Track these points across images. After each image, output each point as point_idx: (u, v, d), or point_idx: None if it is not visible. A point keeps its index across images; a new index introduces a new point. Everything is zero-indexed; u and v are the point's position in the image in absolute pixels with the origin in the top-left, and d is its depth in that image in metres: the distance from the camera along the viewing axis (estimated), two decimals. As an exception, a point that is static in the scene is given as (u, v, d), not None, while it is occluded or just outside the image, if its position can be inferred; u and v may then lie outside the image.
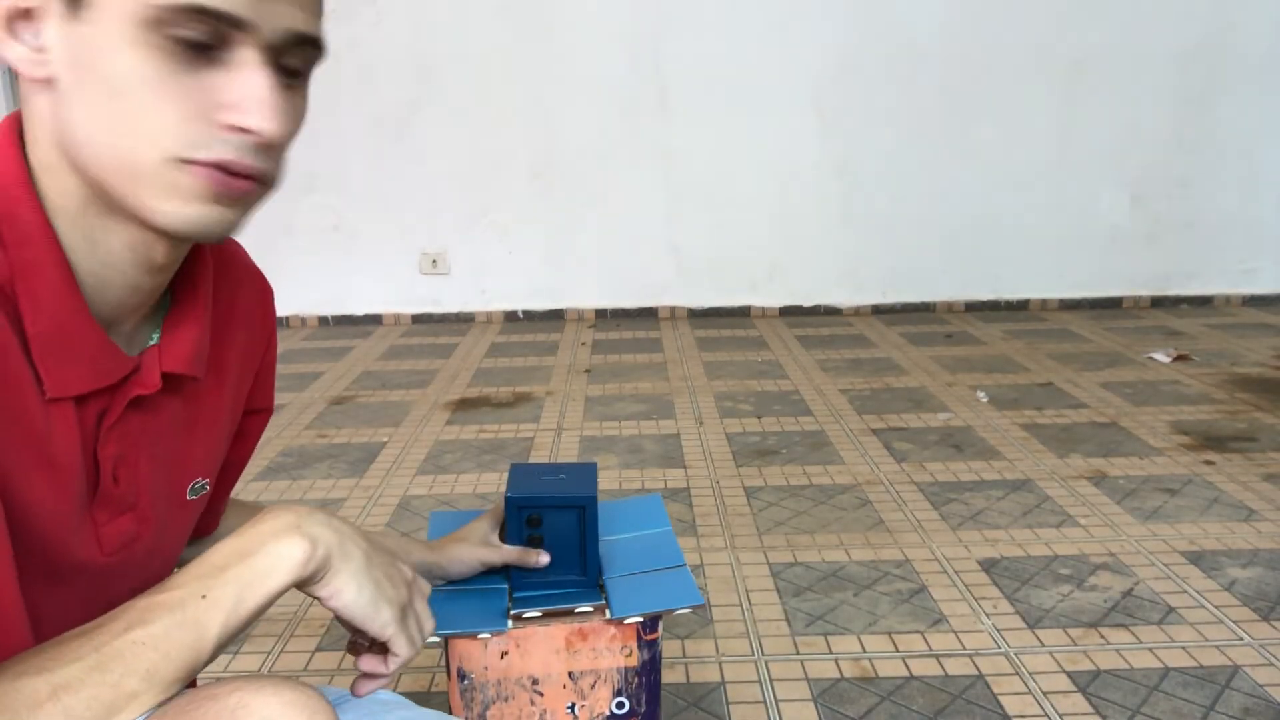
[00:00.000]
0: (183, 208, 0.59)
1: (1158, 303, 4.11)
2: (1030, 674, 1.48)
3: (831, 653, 1.55)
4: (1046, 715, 1.38)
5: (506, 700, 1.13)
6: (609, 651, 1.12)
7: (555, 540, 1.12)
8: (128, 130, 0.57)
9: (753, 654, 1.55)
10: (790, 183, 3.98)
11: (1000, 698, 1.42)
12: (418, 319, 4.09)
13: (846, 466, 2.34)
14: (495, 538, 1.13)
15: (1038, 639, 1.57)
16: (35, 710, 0.54)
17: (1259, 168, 4.01)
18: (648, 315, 4.10)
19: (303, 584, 0.64)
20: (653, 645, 1.13)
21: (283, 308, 4.00)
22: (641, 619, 1.12)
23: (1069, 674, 1.48)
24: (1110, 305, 4.11)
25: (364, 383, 3.18)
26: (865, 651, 1.55)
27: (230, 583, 0.61)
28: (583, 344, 3.64)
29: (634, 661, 1.13)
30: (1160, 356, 3.26)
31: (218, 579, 0.61)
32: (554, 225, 4.02)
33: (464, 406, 2.90)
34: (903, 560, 1.85)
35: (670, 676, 1.48)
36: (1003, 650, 1.54)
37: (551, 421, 2.72)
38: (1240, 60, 3.90)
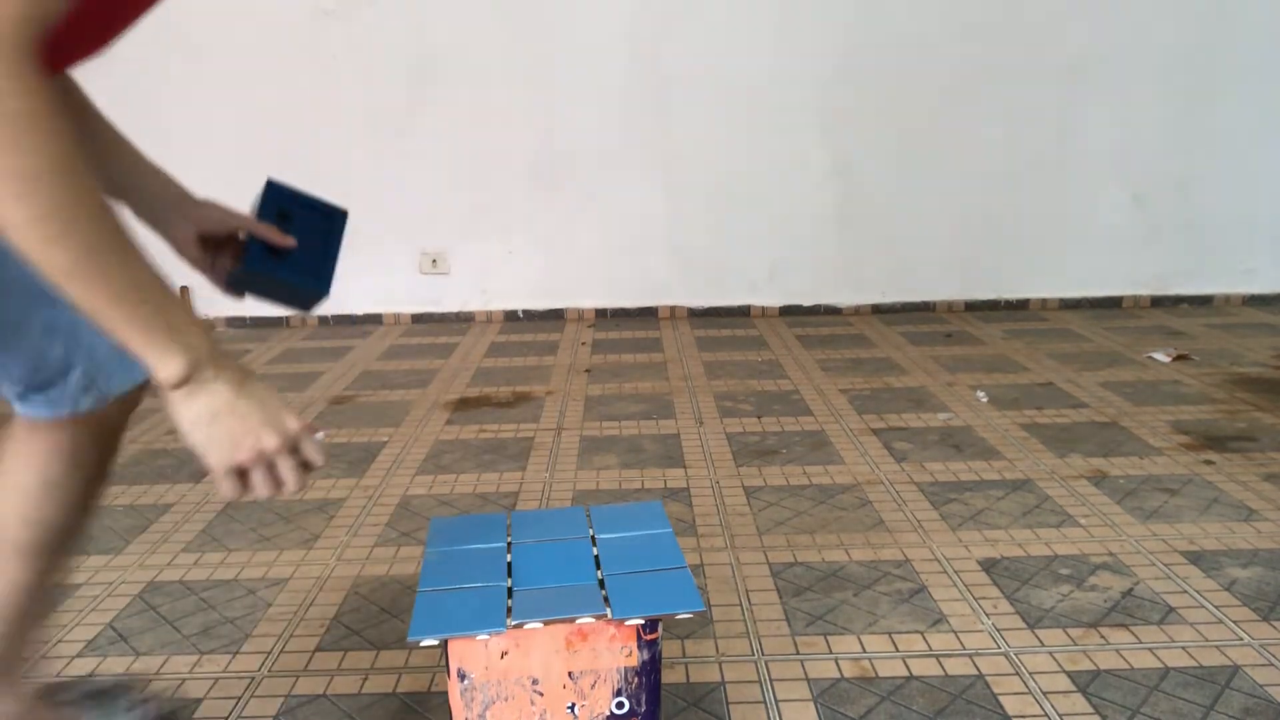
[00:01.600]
0: None
1: (1158, 302, 4.11)
2: (1030, 674, 1.48)
3: (831, 653, 1.55)
4: (1046, 715, 1.38)
5: (506, 700, 1.14)
6: (609, 652, 1.13)
7: (301, 242, 1.17)
8: None
9: (753, 654, 1.55)
10: (790, 183, 3.98)
11: (1000, 698, 1.42)
12: (418, 319, 4.09)
13: (846, 466, 2.34)
14: (237, 217, 1.15)
15: (1038, 639, 1.57)
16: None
17: (1259, 168, 4.01)
18: (648, 315, 4.10)
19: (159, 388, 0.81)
20: (653, 645, 1.13)
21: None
22: (642, 621, 1.12)
23: (1069, 674, 1.48)
24: (1110, 305, 4.11)
25: (364, 383, 3.18)
26: (865, 651, 1.55)
27: (135, 310, 0.76)
28: (583, 344, 3.64)
29: (634, 661, 1.13)
30: (1160, 356, 3.26)
31: (140, 303, 0.76)
32: (554, 225, 4.02)
33: (464, 406, 2.90)
34: (903, 560, 1.85)
35: (670, 676, 1.48)
36: (1003, 650, 1.54)
37: (551, 421, 2.72)
38: (1240, 60, 3.90)
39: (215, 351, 0.83)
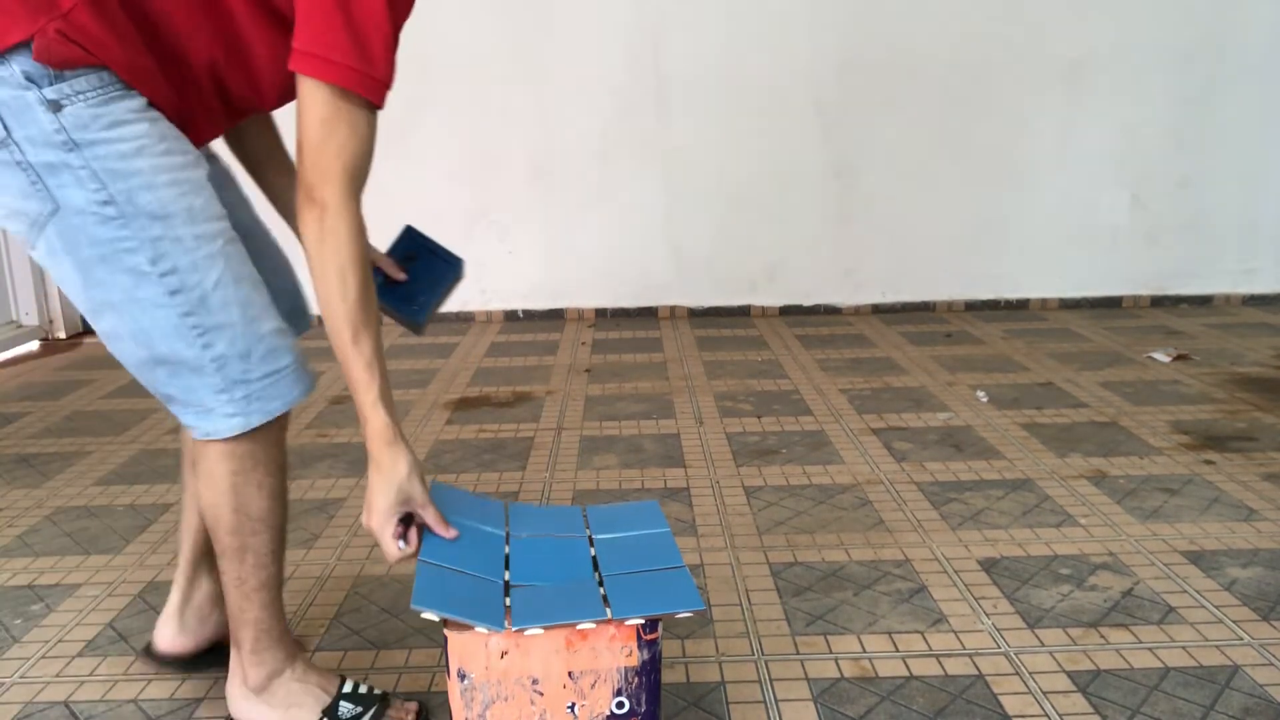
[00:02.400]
0: None
1: (1158, 302, 4.11)
2: (1030, 674, 1.48)
3: (831, 653, 1.55)
4: (1046, 715, 1.38)
5: (506, 700, 1.14)
6: (609, 651, 1.12)
7: (419, 279, 1.43)
8: None
9: (753, 654, 1.55)
10: (790, 183, 3.98)
11: (1000, 697, 1.42)
12: (418, 319, 4.09)
13: (846, 466, 2.34)
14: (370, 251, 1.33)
15: (1038, 639, 1.57)
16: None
17: (1259, 168, 4.01)
18: (648, 315, 4.10)
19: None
20: (653, 645, 1.13)
21: (283, 308, 4.00)
22: (643, 620, 1.12)
23: (1069, 674, 1.48)
24: (1110, 305, 4.11)
25: (364, 383, 3.18)
26: (865, 651, 1.55)
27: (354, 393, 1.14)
28: (583, 344, 3.64)
29: (634, 661, 1.13)
30: (1160, 356, 3.26)
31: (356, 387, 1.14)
32: (554, 225, 4.02)
33: (464, 406, 2.90)
34: (903, 560, 1.85)
35: (670, 676, 1.48)
36: (1003, 650, 1.54)
37: (551, 421, 2.72)
38: (1240, 60, 3.90)
39: (374, 441, 1.16)
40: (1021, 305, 4.11)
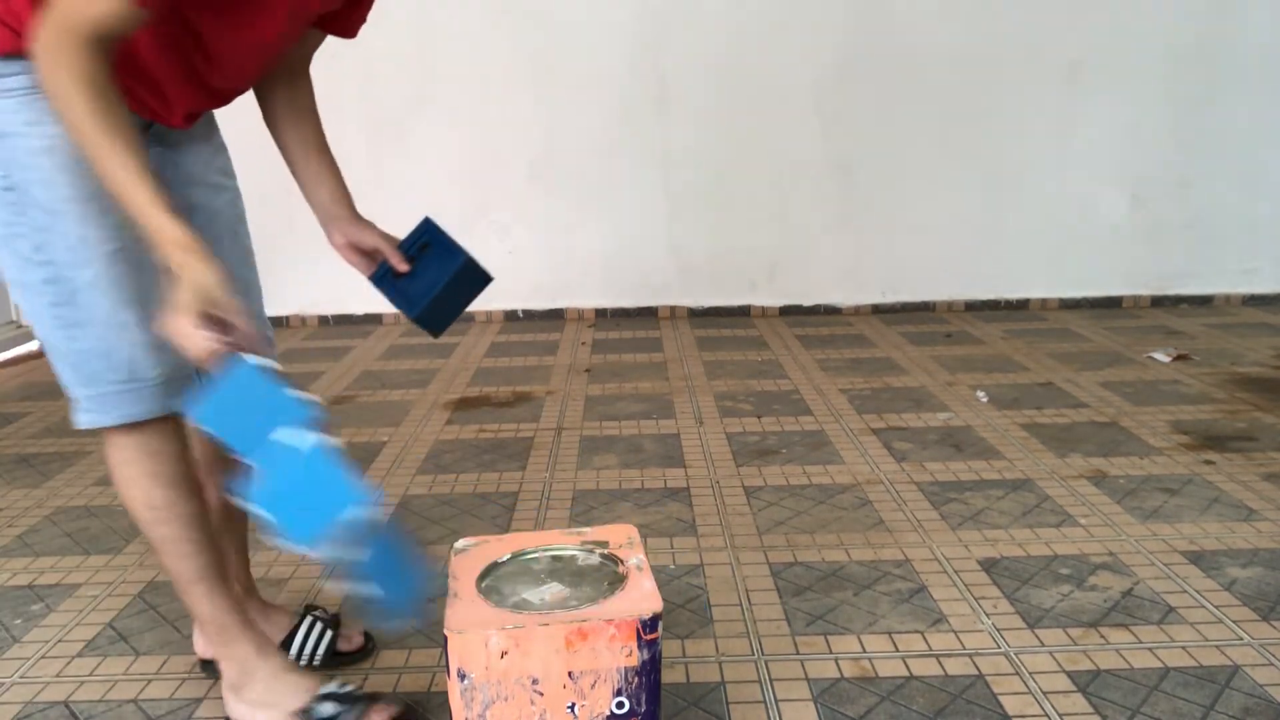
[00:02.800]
0: None
1: (1158, 303, 4.11)
2: (1030, 674, 1.48)
3: (831, 653, 1.55)
4: (1046, 715, 1.38)
5: (506, 700, 1.14)
6: (609, 651, 1.12)
7: (423, 272, 1.39)
8: None
9: (753, 654, 1.55)
10: (790, 183, 3.98)
11: (1000, 698, 1.42)
12: (418, 319, 4.09)
13: (846, 466, 2.34)
14: (380, 238, 1.41)
15: (1038, 639, 1.57)
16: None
17: (1259, 168, 4.00)
18: (648, 315, 4.10)
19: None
20: (653, 645, 1.13)
21: (283, 308, 4.00)
22: (645, 618, 1.12)
23: (1069, 674, 1.48)
24: (1110, 305, 4.11)
25: (364, 383, 3.18)
26: (865, 651, 1.55)
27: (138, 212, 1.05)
28: (583, 344, 3.64)
29: (634, 661, 1.13)
30: (1160, 356, 3.26)
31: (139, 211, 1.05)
32: (554, 225, 4.02)
33: (464, 406, 2.90)
34: (903, 560, 1.85)
35: (670, 676, 1.48)
36: (1003, 650, 1.54)
37: (551, 421, 2.72)
38: (1240, 60, 3.90)
39: (166, 245, 1.06)
40: (1021, 305, 4.11)
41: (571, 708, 1.15)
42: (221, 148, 1.41)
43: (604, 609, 1.15)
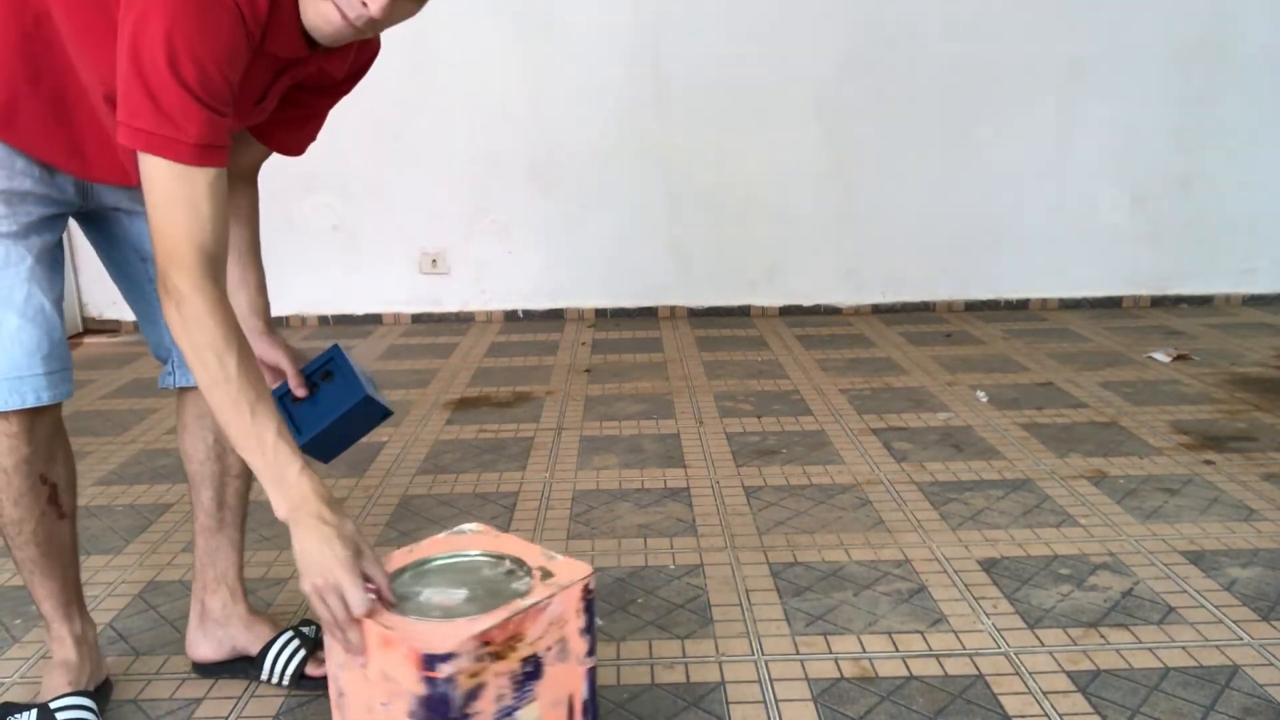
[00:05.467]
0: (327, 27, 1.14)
1: (1158, 303, 4.11)
2: (1030, 674, 1.48)
3: (831, 653, 1.55)
4: (1046, 715, 1.38)
5: (351, 669, 1.11)
6: (403, 670, 1.04)
7: (321, 400, 1.39)
8: None
9: (753, 654, 1.55)
10: (790, 183, 3.98)
11: (1000, 698, 1.42)
12: (418, 319, 4.09)
13: (846, 466, 2.34)
14: (286, 358, 1.41)
15: (1038, 639, 1.57)
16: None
17: (1259, 168, 4.00)
18: (648, 315, 4.10)
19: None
20: (435, 683, 1.01)
21: (283, 308, 4.00)
22: (423, 653, 1.02)
23: (1069, 674, 1.48)
24: (1110, 305, 4.11)
25: (364, 383, 3.18)
26: (865, 651, 1.55)
27: (263, 471, 1.09)
28: (583, 344, 3.64)
29: (420, 691, 1.02)
30: (1160, 356, 3.26)
31: (264, 463, 1.08)
32: (554, 225, 4.02)
33: (464, 406, 2.90)
34: (903, 560, 1.85)
35: (670, 676, 1.49)
36: (1003, 650, 1.54)
37: (551, 421, 2.72)
38: (1240, 60, 3.90)
39: (313, 501, 1.08)
40: (1021, 305, 4.11)
41: (384, 705, 1.07)
42: None
43: (422, 626, 1.05)
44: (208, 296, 1.07)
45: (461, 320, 4.08)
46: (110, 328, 4.08)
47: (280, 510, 1.08)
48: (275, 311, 1.54)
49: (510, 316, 4.10)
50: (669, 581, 1.78)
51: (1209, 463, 2.31)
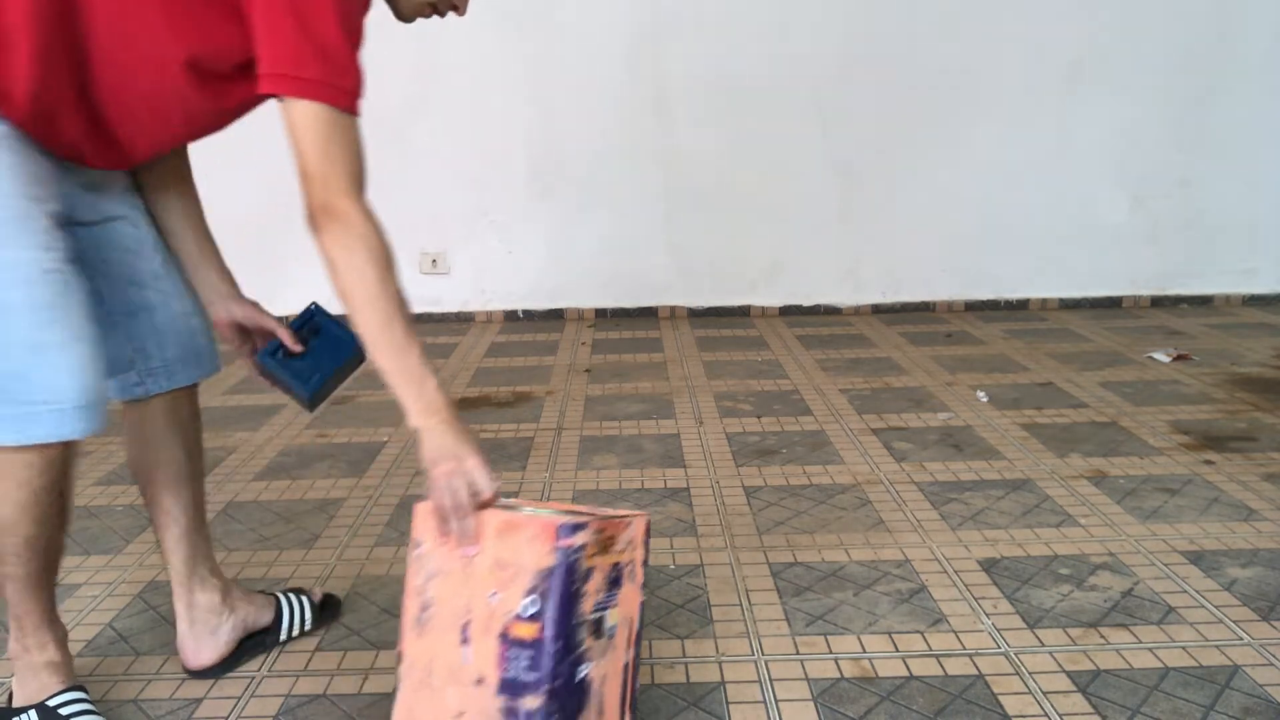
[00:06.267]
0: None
1: (1158, 303, 4.11)
2: (1030, 674, 1.48)
3: (831, 653, 1.55)
4: (1046, 715, 1.38)
5: (446, 575, 1.20)
6: (529, 549, 1.15)
7: (314, 354, 1.46)
8: None
9: (753, 654, 1.55)
10: (790, 183, 3.98)
11: (1000, 698, 1.42)
12: (418, 319, 4.07)
13: (846, 466, 2.34)
14: (271, 320, 1.48)
15: (1038, 639, 1.57)
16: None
17: (1259, 168, 4.01)
18: (648, 315, 4.10)
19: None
20: (566, 551, 1.14)
21: (283, 307, 3.98)
22: (563, 521, 1.15)
23: (1069, 674, 1.48)
24: (1110, 305, 4.11)
25: (364, 383, 3.17)
26: (865, 651, 1.55)
27: (405, 382, 1.19)
28: (583, 344, 3.64)
29: (550, 562, 1.14)
30: (1160, 356, 3.26)
31: (407, 374, 1.19)
32: (554, 225, 4.02)
33: (464, 406, 2.90)
34: (903, 560, 1.85)
35: (670, 676, 1.49)
36: (1003, 650, 1.54)
37: (551, 421, 2.72)
38: (1240, 60, 3.90)
39: (447, 411, 1.20)
40: (1021, 305, 4.11)
41: (493, 595, 1.15)
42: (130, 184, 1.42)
43: (540, 513, 1.19)
44: (370, 217, 1.17)
45: (461, 320, 4.09)
46: (110, 328, 4.08)
47: (415, 417, 1.19)
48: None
49: (510, 316, 4.10)
50: (669, 581, 1.78)
51: (1209, 463, 2.31)
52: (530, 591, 1.13)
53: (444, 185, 3.95)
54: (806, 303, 4.10)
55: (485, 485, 1.18)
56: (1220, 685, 1.44)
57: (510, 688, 1.13)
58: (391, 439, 2.60)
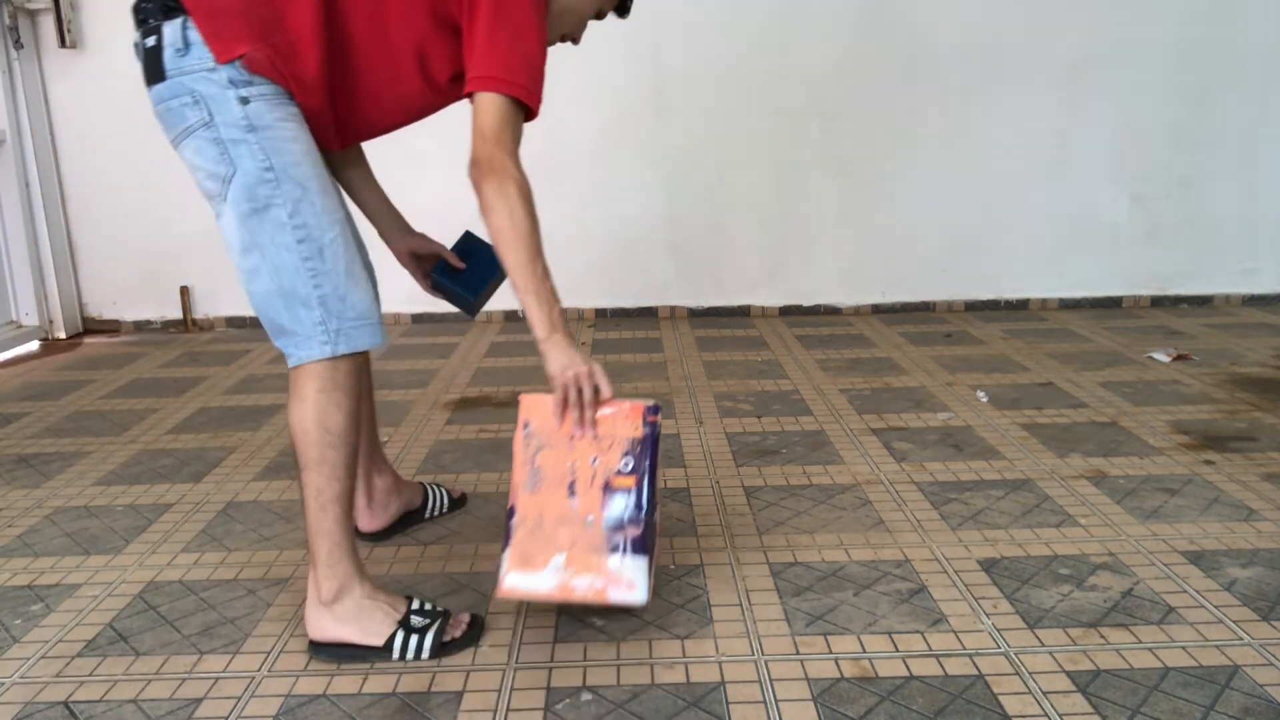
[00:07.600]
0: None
1: (1158, 303, 4.12)
2: (1030, 674, 1.48)
3: (831, 653, 1.55)
4: (1046, 715, 1.38)
5: (552, 448, 1.54)
6: (624, 424, 1.53)
7: (472, 270, 1.93)
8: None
9: (753, 654, 1.55)
10: (790, 182, 3.98)
11: (1000, 698, 1.42)
12: (418, 319, 4.09)
13: (846, 466, 2.34)
14: (435, 243, 1.98)
15: (1038, 639, 1.57)
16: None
17: (1259, 168, 4.01)
18: (648, 315, 4.10)
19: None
20: (653, 426, 1.54)
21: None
22: (649, 404, 1.56)
23: (1069, 674, 1.48)
24: (1110, 305, 4.11)
25: (364, 383, 3.18)
26: (865, 651, 1.55)
27: (539, 307, 1.50)
28: (583, 344, 3.64)
29: (639, 434, 1.53)
30: (1160, 356, 3.26)
31: (543, 303, 1.51)
32: (554, 225, 3.99)
33: (464, 406, 2.90)
34: (903, 560, 1.85)
35: (670, 676, 1.49)
36: (1002, 650, 1.54)
37: (551, 421, 2.72)
38: (1240, 60, 3.90)
39: (568, 336, 1.51)
40: (1021, 305, 4.11)
41: (594, 460, 1.53)
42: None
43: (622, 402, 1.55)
44: (524, 174, 1.50)
45: (461, 320, 4.08)
46: (110, 328, 4.08)
47: (543, 331, 1.49)
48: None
49: (510, 316, 4.10)
50: (669, 581, 1.78)
51: (1209, 463, 2.31)
52: (626, 454, 1.53)
53: (444, 185, 3.94)
54: (806, 303, 4.10)
55: (605, 386, 1.52)
56: (1220, 685, 1.44)
57: (615, 524, 1.51)
58: (392, 439, 2.60)
